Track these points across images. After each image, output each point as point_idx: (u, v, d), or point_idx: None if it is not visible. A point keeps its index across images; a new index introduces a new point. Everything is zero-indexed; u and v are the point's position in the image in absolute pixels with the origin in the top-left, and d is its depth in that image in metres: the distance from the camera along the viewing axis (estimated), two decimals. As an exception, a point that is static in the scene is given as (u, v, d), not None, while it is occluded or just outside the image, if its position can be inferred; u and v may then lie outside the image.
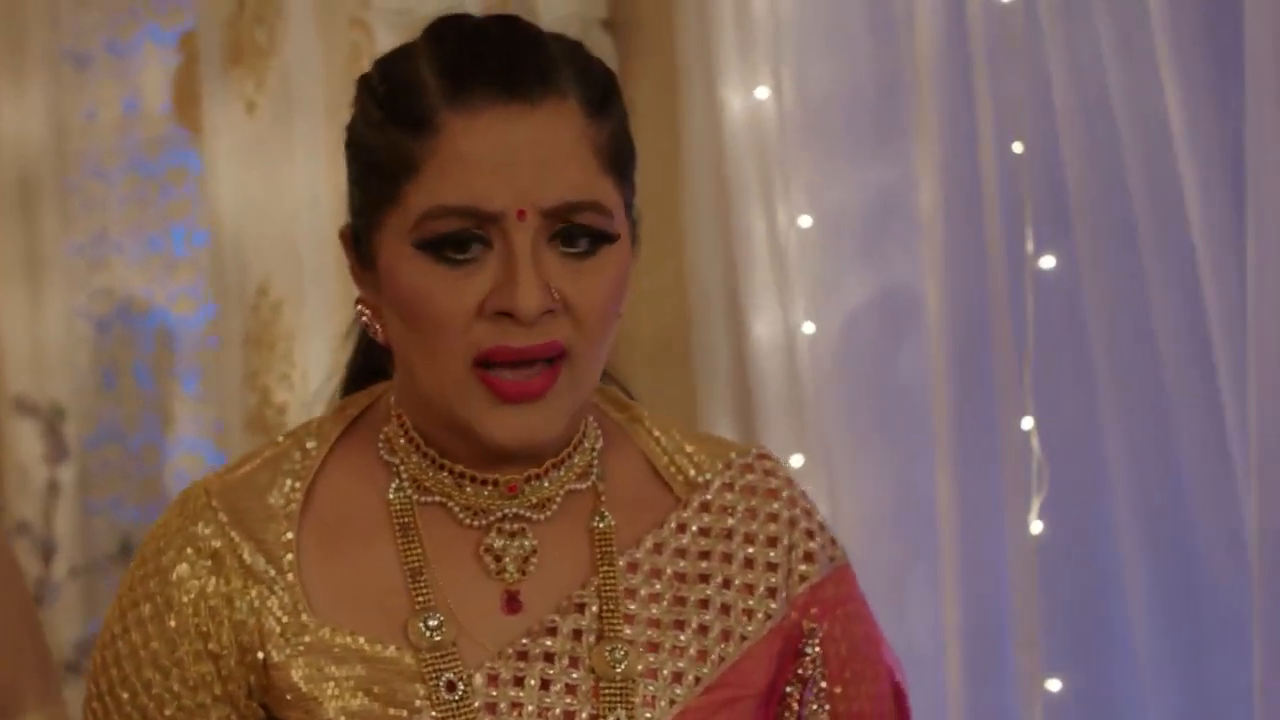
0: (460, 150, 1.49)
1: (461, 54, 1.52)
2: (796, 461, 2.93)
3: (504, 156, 1.48)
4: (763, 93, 2.97)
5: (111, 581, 4.72)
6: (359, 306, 1.59)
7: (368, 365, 1.71)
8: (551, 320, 1.50)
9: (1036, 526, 2.57)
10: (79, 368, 4.77)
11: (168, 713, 1.57)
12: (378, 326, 1.58)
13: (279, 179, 3.66)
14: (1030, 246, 2.58)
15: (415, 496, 1.59)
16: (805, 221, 2.95)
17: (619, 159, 1.55)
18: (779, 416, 2.99)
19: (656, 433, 1.68)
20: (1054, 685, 2.57)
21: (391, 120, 1.52)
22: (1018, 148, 2.58)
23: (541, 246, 1.50)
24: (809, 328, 2.96)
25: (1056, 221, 2.57)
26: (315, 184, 3.56)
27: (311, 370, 3.57)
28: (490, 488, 1.58)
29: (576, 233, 1.51)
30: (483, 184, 1.48)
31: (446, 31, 1.55)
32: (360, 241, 1.57)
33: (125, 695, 1.58)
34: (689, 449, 1.68)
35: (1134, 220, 2.50)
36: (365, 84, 1.58)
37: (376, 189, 1.53)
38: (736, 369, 3.08)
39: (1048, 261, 2.58)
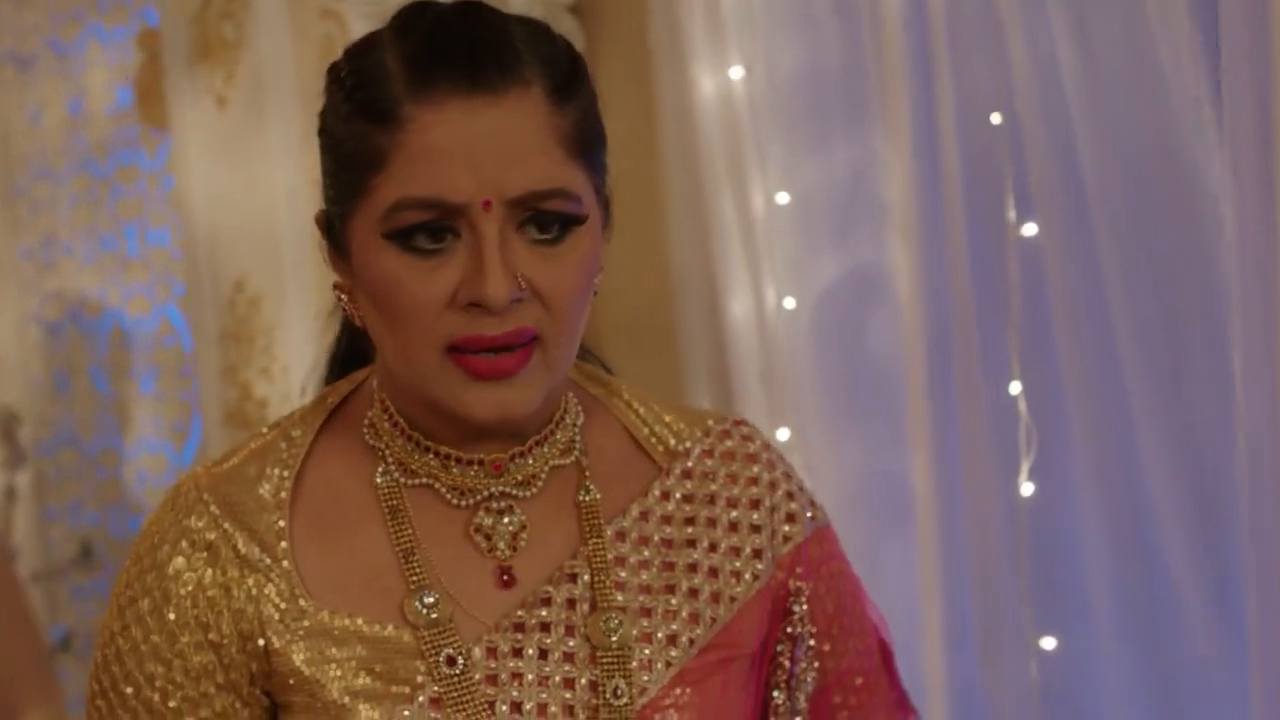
0: (425, 143, 1.50)
1: (425, 45, 1.53)
2: (782, 435, 2.95)
3: (469, 148, 1.50)
4: (736, 73, 2.98)
5: (72, 586, 4.70)
6: (336, 291, 1.61)
7: (351, 351, 1.74)
8: (521, 307, 1.52)
9: (1027, 489, 2.60)
10: (32, 372, 4.74)
11: (171, 704, 1.59)
12: (354, 310, 1.60)
13: (253, 173, 3.65)
14: (1012, 215, 2.60)
15: (402, 479, 1.62)
16: (783, 199, 2.97)
17: (586, 143, 1.56)
18: (758, 393, 3.01)
19: (635, 405, 1.72)
20: (1049, 644, 2.60)
21: (358, 112, 1.54)
22: (996, 119, 2.60)
23: (509, 235, 1.52)
24: (789, 303, 2.98)
25: (1037, 190, 2.59)
26: (292, 176, 3.56)
27: (293, 364, 3.57)
28: (475, 467, 1.61)
29: (544, 219, 1.53)
30: (448, 176, 1.50)
31: (411, 21, 1.56)
32: (333, 229, 1.59)
33: (129, 690, 1.60)
34: (668, 419, 1.71)
35: (1114, 188, 2.53)
36: (334, 74, 1.59)
37: (346, 179, 1.55)
38: (716, 346, 3.10)
39: (1029, 229, 2.60)
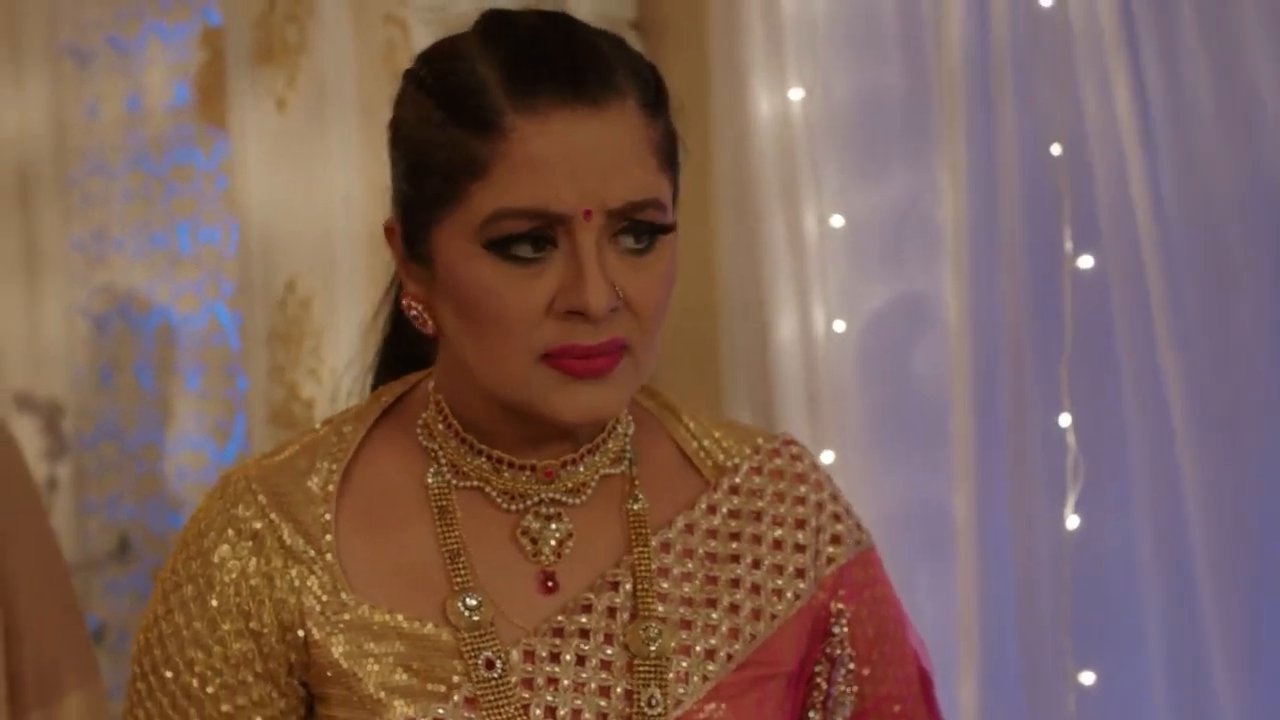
0: (529, 153, 1.50)
1: (525, 55, 1.53)
2: (825, 458, 2.95)
3: (572, 159, 1.51)
4: (795, 94, 2.99)
5: (108, 580, 4.72)
6: (407, 300, 1.61)
7: (401, 353, 1.74)
8: (615, 316, 1.53)
9: (1073, 522, 2.59)
10: (78, 365, 4.76)
11: (210, 690, 1.60)
12: (427, 319, 1.60)
13: (311, 176, 3.67)
14: (1069, 246, 2.60)
15: (453, 481, 1.62)
16: (837, 221, 2.97)
17: (671, 154, 1.58)
18: (802, 414, 3.01)
19: (686, 419, 1.72)
20: (1087, 678, 2.59)
21: (453, 120, 1.53)
22: (1056, 150, 2.60)
23: (604, 244, 1.53)
24: (838, 326, 2.98)
25: (1095, 223, 2.60)
26: (349, 181, 3.57)
27: (341, 366, 3.58)
28: (527, 473, 1.61)
29: (639, 229, 1.54)
30: (552, 186, 1.50)
31: (501, 30, 1.56)
32: (411, 237, 1.59)
33: (169, 674, 1.61)
34: (717, 435, 1.72)
35: (1170, 221, 2.53)
36: (417, 81, 1.58)
37: (434, 187, 1.54)
38: (760, 365, 3.10)
39: (1085, 261, 2.60)
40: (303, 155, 3.72)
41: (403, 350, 1.72)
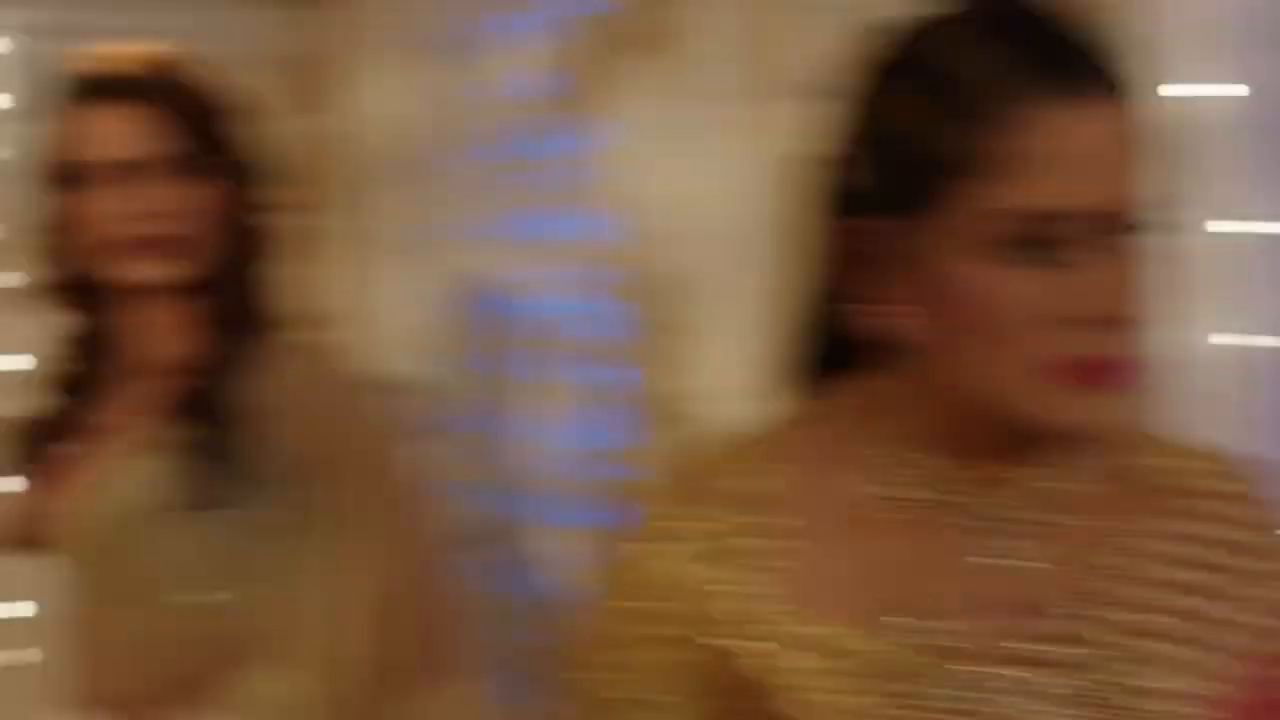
0: (1052, 149, 1.44)
1: (1039, 46, 1.46)
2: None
3: (1093, 155, 1.44)
4: (1218, 89, 2.86)
5: (469, 567, 4.76)
6: (871, 305, 1.53)
7: (821, 354, 1.66)
8: (1117, 324, 1.47)
9: None
10: (453, 351, 4.85)
11: (611, 695, 1.55)
12: (896, 323, 1.52)
13: (694, 166, 3.69)
14: None
15: (905, 494, 1.56)
16: (1230, 227, 2.83)
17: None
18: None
19: (1143, 437, 1.64)
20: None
21: (954, 113, 1.46)
22: None
23: (1111, 248, 1.46)
24: (1241, 340, 2.83)
25: None
26: (733, 171, 3.54)
27: (723, 361, 3.57)
28: (985, 488, 1.55)
29: (1132, 231, 1.47)
30: (1075, 185, 1.44)
31: (1004, 17, 1.49)
32: (886, 237, 1.51)
33: (580, 675, 1.58)
34: (1178, 454, 1.63)
35: None
36: (896, 70, 1.52)
37: (921, 185, 1.48)
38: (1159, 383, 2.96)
39: None
40: (686, 145, 3.69)
41: (823, 351, 1.65)
